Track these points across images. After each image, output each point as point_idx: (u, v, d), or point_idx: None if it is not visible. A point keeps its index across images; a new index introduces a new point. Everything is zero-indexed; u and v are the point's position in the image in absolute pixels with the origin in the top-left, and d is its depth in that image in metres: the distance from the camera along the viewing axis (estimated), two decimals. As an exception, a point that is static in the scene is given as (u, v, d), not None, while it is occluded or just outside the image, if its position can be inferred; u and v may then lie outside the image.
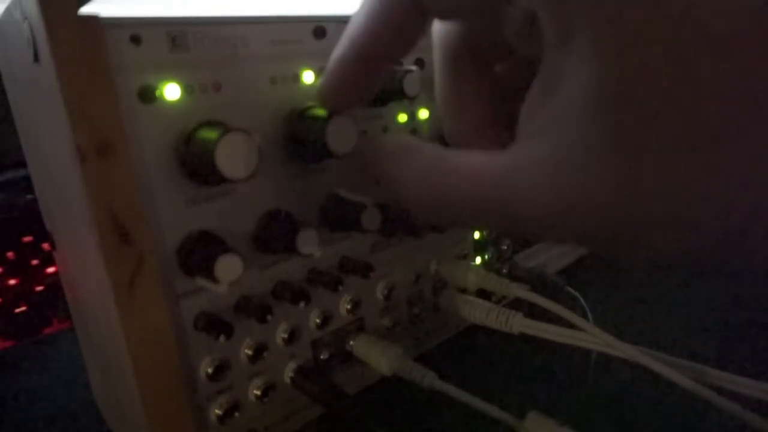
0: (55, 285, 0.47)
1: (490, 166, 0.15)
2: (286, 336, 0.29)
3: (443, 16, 0.18)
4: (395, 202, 0.18)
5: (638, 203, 0.12)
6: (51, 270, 0.48)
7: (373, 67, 0.19)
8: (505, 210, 0.14)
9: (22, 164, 0.32)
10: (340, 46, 0.19)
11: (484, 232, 0.40)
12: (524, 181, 0.14)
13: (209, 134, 0.22)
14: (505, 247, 0.42)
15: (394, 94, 0.28)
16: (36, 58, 0.21)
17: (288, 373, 0.29)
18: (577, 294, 0.40)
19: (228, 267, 0.23)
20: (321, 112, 0.25)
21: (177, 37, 0.23)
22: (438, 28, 0.19)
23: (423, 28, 0.18)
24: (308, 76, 0.27)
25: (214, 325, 0.25)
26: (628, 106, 0.11)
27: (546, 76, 0.14)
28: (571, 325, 0.29)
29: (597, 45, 0.12)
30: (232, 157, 0.22)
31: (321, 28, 0.28)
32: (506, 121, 0.18)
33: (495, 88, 0.20)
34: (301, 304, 0.27)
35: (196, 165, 0.23)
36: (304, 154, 0.27)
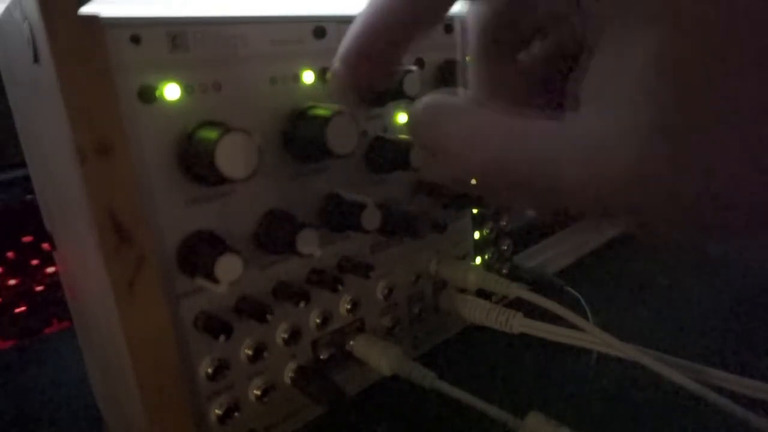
0: (55, 285, 0.47)
1: (545, 131, 0.14)
2: (286, 336, 0.29)
3: None
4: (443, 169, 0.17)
5: (684, 179, 0.12)
6: (51, 270, 0.48)
7: (403, 34, 0.18)
8: (552, 178, 0.14)
9: (22, 164, 0.32)
10: (366, 11, 0.17)
11: (484, 232, 0.40)
12: (572, 153, 0.13)
13: (209, 134, 0.22)
14: (505, 247, 0.42)
15: (394, 94, 0.28)
16: (36, 58, 0.21)
17: (288, 373, 0.29)
18: (577, 294, 0.40)
19: (228, 267, 0.23)
20: (321, 112, 0.25)
21: (177, 37, 0.23)
22: (473, 9, 0.19)
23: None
24: (308, 76, 0.27)
25: (214, 325, 0.25)
26: (685, 81, 0.11)
27: (598, 51, 0.13)
28: (571, 325, 0.29)
29: (652, 19, 0.11)
30: (232, 157, 0.22)
31: (321, 28, 0.27)
32: (543, 101, 0.18)
33: (531, 67, 0.19)
34: (301, 304, 0.27)
35: (196, 165, 0.23)
36: (304, 154, 0.27)
